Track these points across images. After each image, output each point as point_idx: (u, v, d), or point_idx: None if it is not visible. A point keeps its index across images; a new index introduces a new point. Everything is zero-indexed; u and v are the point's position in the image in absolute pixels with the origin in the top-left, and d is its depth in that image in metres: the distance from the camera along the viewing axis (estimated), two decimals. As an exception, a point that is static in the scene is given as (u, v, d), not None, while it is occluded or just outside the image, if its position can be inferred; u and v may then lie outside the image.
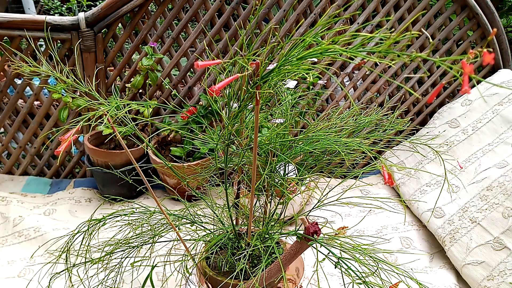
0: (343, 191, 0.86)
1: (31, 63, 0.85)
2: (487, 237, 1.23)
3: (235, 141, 0.84)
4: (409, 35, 0.49)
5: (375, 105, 1.06)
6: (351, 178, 1.74)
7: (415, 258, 1.36)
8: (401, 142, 1.71)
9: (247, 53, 0.64)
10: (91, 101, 0.81)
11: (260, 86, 0.62)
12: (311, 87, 1.70)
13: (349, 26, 1.75)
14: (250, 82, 0.63)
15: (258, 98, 0.64)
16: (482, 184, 1.36)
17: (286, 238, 1.01)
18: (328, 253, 0.74)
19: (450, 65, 0.46)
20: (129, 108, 0.76)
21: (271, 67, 0.62)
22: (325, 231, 0.80)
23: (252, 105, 0.70)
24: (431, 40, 0.46)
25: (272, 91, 0.76)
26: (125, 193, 1.66)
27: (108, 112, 0.75)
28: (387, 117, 0.97)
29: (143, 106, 1.60)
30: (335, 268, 0.72)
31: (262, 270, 0.80)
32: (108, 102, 0.79)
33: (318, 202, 0.88)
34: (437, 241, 1.40)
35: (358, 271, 0.71)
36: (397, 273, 0.74)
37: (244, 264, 0.85)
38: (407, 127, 1.83)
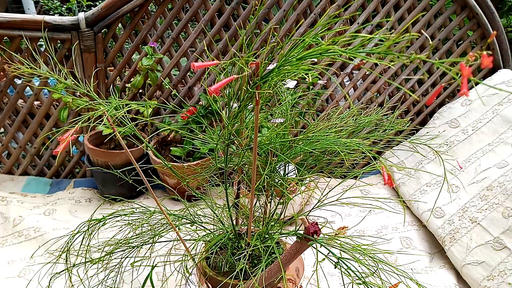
0: (343, 191, 0.86)
1: (29, 65, 0.85)
2: (487, 237, 1.23)
3: (235, 141, 0.84)
4: (408, 36, 0.49)
5: (375, 105, 1.06)
6: (351, 178, 1.74)
7: (415, 258, 1.36)
8: (401, 142, 1.72)
9: (246, 53, 0.64)
10: (90, 102, 0.81)
11: (260, 86, 0.62)
12: (311, 87, 1.70)
13: (349, 26, 1.75)
14: (250, 82, 0.63)
15: (258, 98, 0.64)
16: (482, 184, 1.36)
17: (286, 238, 1.01)
18: (328, 253, 0.74)
19: (448, 67, 0.46)
20: (129, 108, 0.76)
21: (271, 67, 0.62)
22: (325, 231, 0.80)
23: (252, 105, 0.70)
24: (430, 41, 0.46)
25: (271, 92, 0.76)
26: (125, 193, 1.66)
27: (107, 112, 0.75)
28: (387, 117, 0.97)
29: (143, 106, 1.60)
30: (335, 268, 0.72)
31: (262, 270, 0.80)
32: (108, 102, 0.79)
33: (318, 202, 0.88)
34: (437, 241, 1.40)
35: (358, 271, 0.71)
36: (397, 274, 0.74)
37: (244, 264, 0.85)
38: (407, 127, 1.83)
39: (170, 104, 1.73)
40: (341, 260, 0.72)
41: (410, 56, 0.50)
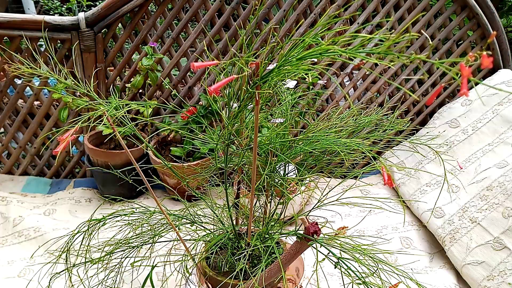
0: (343, 191, 0.86)
1: (29, 65, 0.85)
2: (487, 237, 1.23)
3: (235, 141, 0.84)
4: (408, 36, 0.49)
5: (375, 105, 1.06)
6: (351, 178, 1.74)
7: (415, 258, 1.36)
8: (401, 142, 1.72)
9: (246, 53, 0.64)
10: (90, 102, 0.81)
11: (260, 86, 0.62)
12: (311, 87, 1.70)
13: (349, 26, 1.75)
14: (250, 82, 0.63)
15: (258, 98, 0.64)
16: (482, 184, 1.36)
17: (286, 238, 1.01)
18: (328, 253, 0.74)
19: (448, 67, 0.46)
20: (129, 108, 0.76)
21: (271, 67, 0.62)
22: (325, 231, 0.80)
23: (252, 105, 0.70)
24: (430, 41, 0.46)
25: (271, 92, 0.76)
26: (125, 193, 1.66)
27: (107, 112, 0.75)
28: (387, 117, 0.97)
29: (143, 106, 1.60)
30: (335, 268, 0.72)
31: (262, 270, 0.80)
32: (108, 102, 0.79)
33: (318, 202, 0.88)
34: (437, 241, 1.40)
35: (358, 271, 0.71)
36: (397, 274, 0.74)
37: (244, 264, 0.85)
38: (407, 127, 1.83)
39: (170, 104, 1.73)
40: (341, 260, 0.72)
41: (410, 56, 0.50)
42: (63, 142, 0.57)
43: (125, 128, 0.83)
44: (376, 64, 1.76)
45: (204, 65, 0.50)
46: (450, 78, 1.81)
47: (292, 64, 0.59)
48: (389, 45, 0.49)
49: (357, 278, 0.71)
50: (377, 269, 0.75)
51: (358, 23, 1.73)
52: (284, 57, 0.59)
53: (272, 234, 0.94)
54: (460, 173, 1.46)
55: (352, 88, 1.83)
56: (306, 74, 0.59)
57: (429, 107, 1.88)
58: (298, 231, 0.80)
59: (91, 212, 1.55)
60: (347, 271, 0.70)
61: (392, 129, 0.96)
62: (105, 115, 0.75)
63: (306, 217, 0.77)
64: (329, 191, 0.88)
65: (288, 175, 0.95)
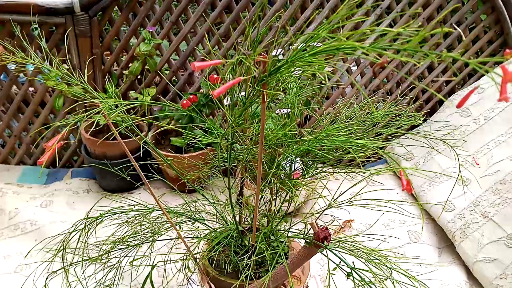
0: (351, 185, 0.82)
1: (20, 53, 0.79)
2: (500, 234, 1.18)
3: (239, 140, 0.79)
4: (440, 31, 0.43)
5: (385, 99, 1.00)
6: (359, 174, 1.68)
7: (423, 252, 1.32)
8: (411, 132, 1.65)
9: (251, 44, 0.58)
10: (86, 94, 0.76)
11: (266, 84, 0.56)
12: (317, 74, 1.63)
13: (366, 17, 1.67)
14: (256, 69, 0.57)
15: (264, 97, 0.58)
16: (494, 177, 1.31)
17: (292, 240, 0.97)
18: (340, 262, 0.69)
19: (484, 67, 0.40)
20: (126, 107, 0.71)
21: (277, 54, 0.56)
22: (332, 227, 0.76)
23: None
24: (464, 37, 0.40)
25: (279, 90, 0.71)
26: (124, 184, 1.61)
27: (104, 110, 0.70)
28: (401, 112, 0.91)
29: (141, 94, 1.54)
30: (347, 279, 0.67)
31: (268, 278, 0.75)
32: (105, 97, 0.74)
33: (328, 205, 0.83)
34: (446, 235, 1.36)
35: (371, 281, 0.67)
36: (410, 279, 0.70)
37: (249, 269, 0.81)
38: (419, 118, 1.77)
39: (168, 99, 1.67)
40: (354, 271, 0.67)
41: (441, 54, 0.44)
42: (48, 150, 0.52)
43: (123, 126, 0.78)
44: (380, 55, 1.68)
45: (206, 65, 0.44)
46: (461, 64, 1.74)
47: (304, 60, 0.53)
48: (418, 40, 0.43)
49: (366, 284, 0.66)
50: (389, 277, 0.71)
51: (376, 14, 1.65)
52: (295, 53, 0.53)
53: (279, 236, 0.90)
54: (471, 165, 1.41)
55: (359, 75, 1.75)
56: (319, 71, 0.53)
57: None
58: (306, 235, 0.75)
59: (89, 203, 1.50)
60: (360, 283, 0.65)
61: (405, 124, 0.91)
62: (102, 112, 0.69)
63: (315, 222, 0.72)
64: (337, 189, 0.83)
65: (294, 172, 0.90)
